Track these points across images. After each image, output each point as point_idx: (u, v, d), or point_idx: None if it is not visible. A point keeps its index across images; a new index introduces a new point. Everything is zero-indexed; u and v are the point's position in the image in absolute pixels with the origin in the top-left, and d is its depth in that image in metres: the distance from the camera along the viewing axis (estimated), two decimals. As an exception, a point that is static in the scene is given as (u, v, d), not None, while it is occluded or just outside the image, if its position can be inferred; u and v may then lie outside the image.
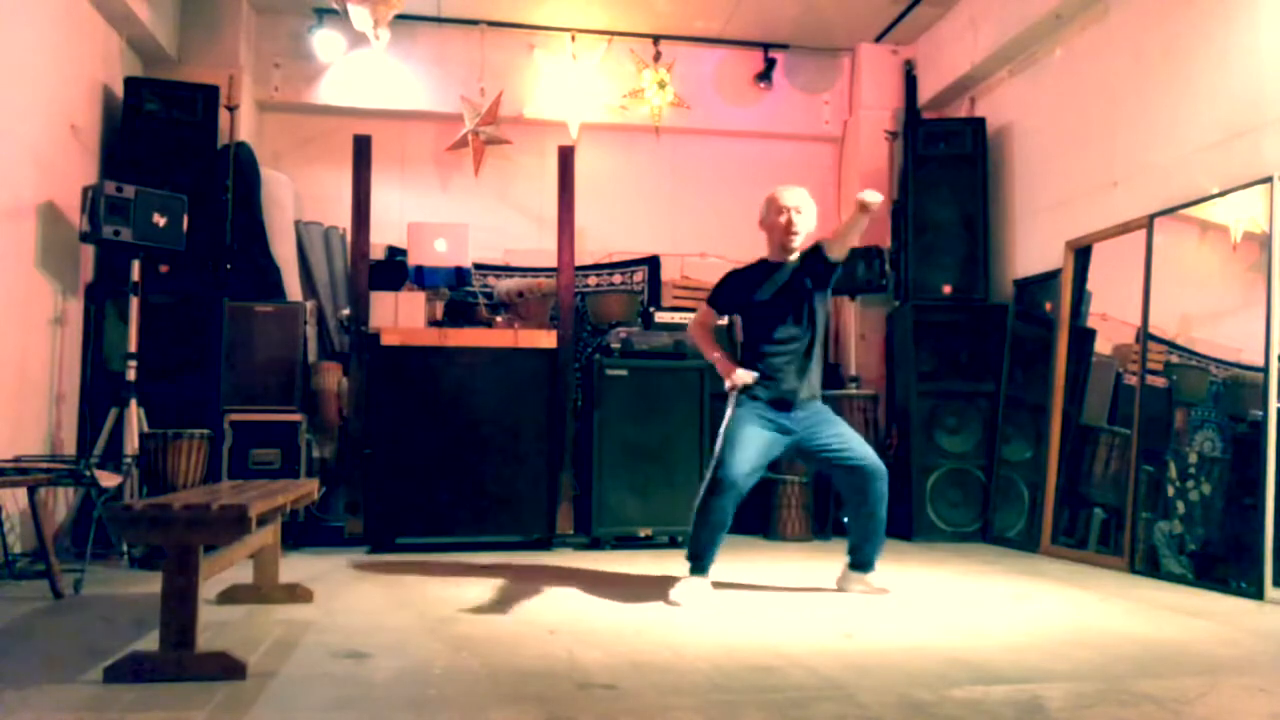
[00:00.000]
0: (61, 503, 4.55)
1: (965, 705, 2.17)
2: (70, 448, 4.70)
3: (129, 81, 5.16)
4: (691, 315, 5.74)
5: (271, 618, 3.08)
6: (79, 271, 4.87)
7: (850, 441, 3.59)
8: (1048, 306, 5.21)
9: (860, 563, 3.66)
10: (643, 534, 4.84)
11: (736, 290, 3.76)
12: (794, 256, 3.67)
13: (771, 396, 3.56)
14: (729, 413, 3.57)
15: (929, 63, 6.38)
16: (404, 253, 5.49)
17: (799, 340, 3.60)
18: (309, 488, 3.43)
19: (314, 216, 5.97)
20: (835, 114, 6.71)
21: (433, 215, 5.91)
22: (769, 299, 3.64)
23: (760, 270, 3.74)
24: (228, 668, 2.33)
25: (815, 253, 3.62)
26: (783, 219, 3.64)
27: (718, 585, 3.58)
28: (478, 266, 5.83)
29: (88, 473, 3.74)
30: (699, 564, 3.52)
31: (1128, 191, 4.70)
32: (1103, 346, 4.80)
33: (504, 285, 5.59)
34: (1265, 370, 3.68)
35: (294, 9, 6.01)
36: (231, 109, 5.42)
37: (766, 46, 6.55)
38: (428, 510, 4.67)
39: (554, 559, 4.50)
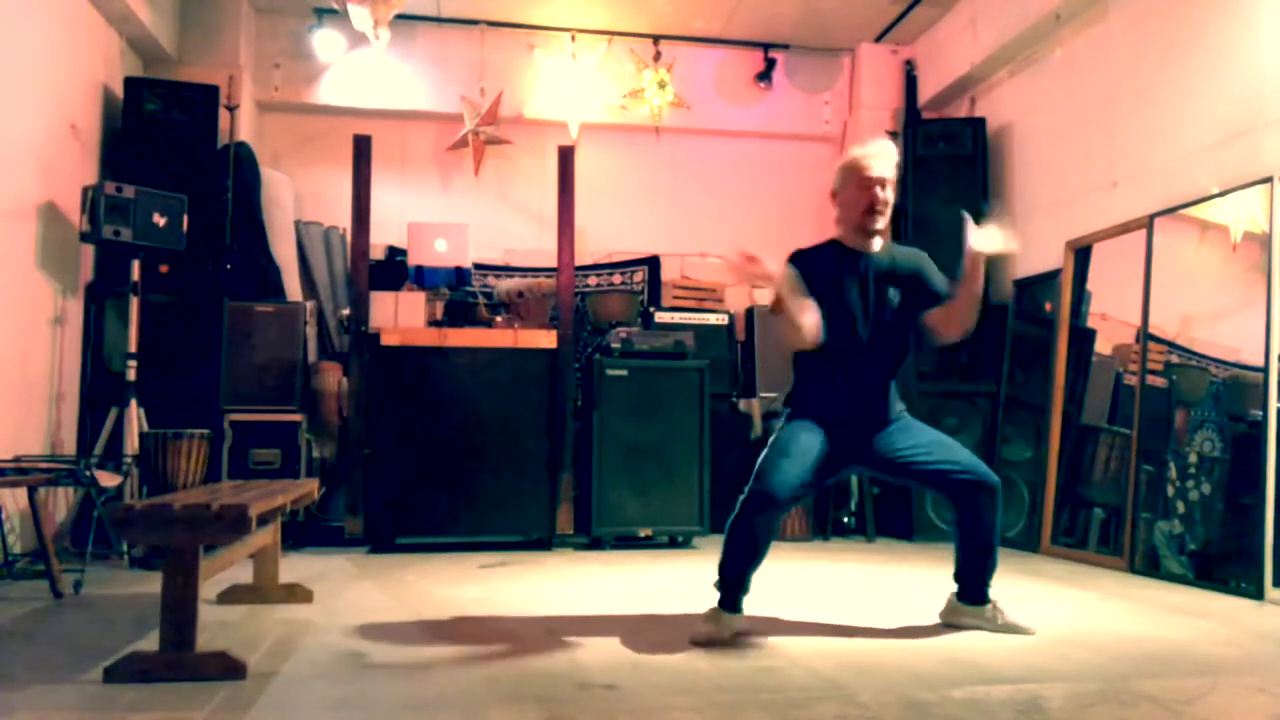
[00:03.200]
0: (61, 503, 4.55)
1: (965, 705, 2.17)
2: (70, 448, 4.70)
3: (129, 81, 5.15)
4: (691, 315, 5.81)
5: (271, 618, 3.08)
6: (79, 271, 4.87)
7: (943, 449, 2.93)
8: (1048, 306, 5.21)
9: (966, 594, 3.01)
10: (643, 534, 4.83)
11: (805, 276, 2.85)
12: (877, 245, 2.95)
13: (834, 414, 2.92)
14: (780, 422, 2.98)
15: (929, 63, 6.38)
16: (404, 253, 5.49)
17: (876, 354, 2.92)
18: (309, 488, 3.43)
19: (314, 216, 5.97)
20: (835, 114, 6.71)
21: (433, 215, 5.92)
22: (844, 296, 2.89)
23: (832, 254, 2.95)
24: (228, 668, 2.33)
25: (920, 274, 2.94)
26: (866, 195, 2.88)
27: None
28: (478, 266, 5.83)
29: (88, 473, 3.75)
30: (728, 597, 2.87)
31: (1128, 191, 4.70)
32: (1103, 346, 4.80)
33: (504, 285, 5.58)
34: (1265, 370, 3.68)
35: (294, 9, 6.01)
36: (231, 109, 5.42)
37: (766, 46, 6.55)
38: (427, 510, 4.67)
39: (554, 559, 4.50)
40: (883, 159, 2.90)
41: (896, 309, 2.92)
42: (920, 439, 2.95)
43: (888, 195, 2.89)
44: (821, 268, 2.90)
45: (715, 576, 2.90)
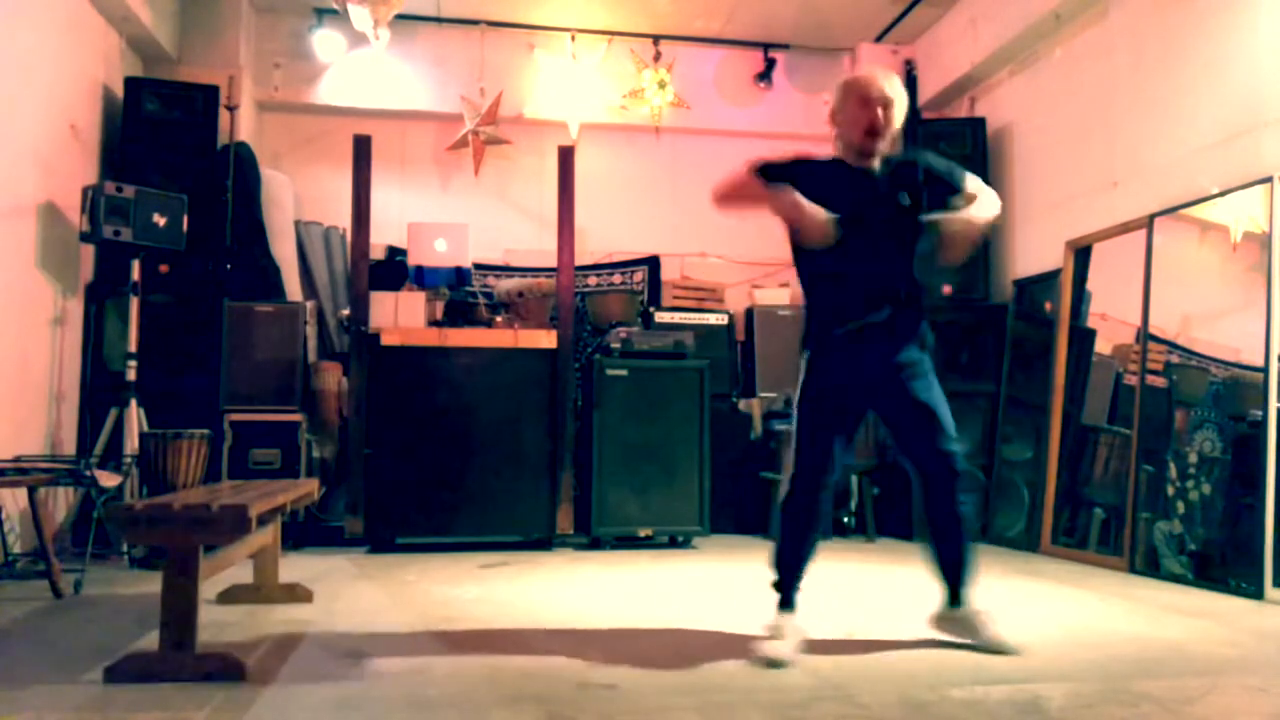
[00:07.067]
0: (61, 503, 4.55)
1: (965, 705, 2.17)
2: (70, 448, 4.70)
3: (129, 81, 5.16)
4: (691, 315, 5.81)
5: (271, 618, 3.08)
6: (79, 271, 4.87)
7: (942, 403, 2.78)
8: (1048, 306, 5.21)
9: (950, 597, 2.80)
10: (643, 534, 4.83)
11: (809, 183, 2.70)
12: (877, 162, 2.76)
13: (852, 337, 2.74)
14: (801, 374, 2.76)
15: (929, 63, 6.38)
16: (404, 253, 5.50)
17: (888, 274, 2.75)
18: (309, 488, 3.43)
19: (314, 216, 5.97)
20: (835, 114, 6.70)
21: (433, 215, 5.92)
22: (853, 208, 2.68)
23: (836, 169, 2.79)
24: (228, 668, 2.33)
25: (929, 170, 2.79)
26: (866, 114, 2.71)
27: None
28: (478, 266, 5.83)
29: (88, 473, 3.75)
30: (785, 594, 2.78)
31: (1128, 191, 4.69)
32: (1103, 346, 4.80)
33: (504, 285, 5.58)
34: (1265, 370, 3.68)
35: (294, 9, 6.01)
36: (231, 109, 5.42)
37: (766, 46, 6.55)
38: (428, 510, 4.66)
39: (554, 559, 4.50)
40: (888, 82, 2.73)
41: (909, 208, 2.74)
42: (933, 387, 2.76)
43: (890, 116, 2.71)
44: (828, 178, 2.76)
45: (773, 575, 2.77)
